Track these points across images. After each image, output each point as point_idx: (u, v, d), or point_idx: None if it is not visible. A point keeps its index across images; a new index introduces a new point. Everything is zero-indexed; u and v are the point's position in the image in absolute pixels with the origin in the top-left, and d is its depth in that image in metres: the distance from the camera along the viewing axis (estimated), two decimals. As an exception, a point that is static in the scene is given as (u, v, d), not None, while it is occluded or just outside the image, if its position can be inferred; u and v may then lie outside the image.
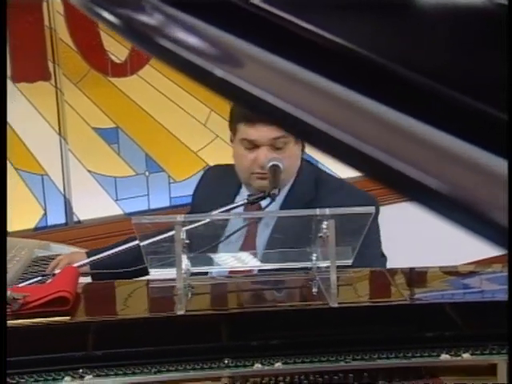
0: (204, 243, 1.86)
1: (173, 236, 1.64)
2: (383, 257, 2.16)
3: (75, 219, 3.47)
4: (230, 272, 1.98)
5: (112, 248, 2.11)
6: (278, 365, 1.53)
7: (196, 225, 1.74)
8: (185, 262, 1.67)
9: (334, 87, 0.48)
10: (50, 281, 1.82)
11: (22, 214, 3.33)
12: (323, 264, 1.70)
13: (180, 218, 1.65)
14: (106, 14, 0.56)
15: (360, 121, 0.47)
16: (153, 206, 3.63)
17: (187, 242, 1.68)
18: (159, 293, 1.82)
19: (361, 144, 0.44)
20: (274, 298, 1.85)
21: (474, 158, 0.46)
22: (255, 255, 1.95)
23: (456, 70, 0.55)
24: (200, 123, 3.67)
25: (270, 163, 2.12)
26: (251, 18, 0.52)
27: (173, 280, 1.65)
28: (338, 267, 1.62)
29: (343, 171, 2.36)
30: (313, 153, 2.46)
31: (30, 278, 2.05)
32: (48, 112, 3.35)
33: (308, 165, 2.27)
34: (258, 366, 1.53)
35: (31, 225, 3.37)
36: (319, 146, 0.47)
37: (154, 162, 3.61)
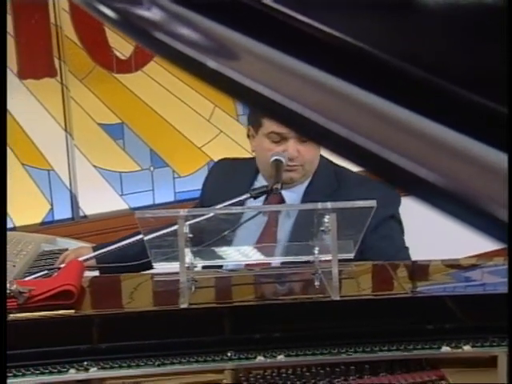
0: (210, 237, 1.85)
1: (176, 230, 1.64)
2: (406, 247, 2.16)
3: (81, 214, 3.47)
4: (247, 265, 1.97)
5: (117, 243, 2.10)
6: (281, 357, 1.53)
7: (199, 219, 1.74)
8: (188, 256, 1.66)
9: (336, 82, 0.48)
10: (55, 275, 1.81)
11: (29, 209, 3.33)
12: (325, 257, 1.69)
13: (183, 212, 1.64)
14: (104, 9, 0.55)
15: (360, 115, 0.46)
16: (158, 201, 3.62)
17: (190, 235, 1.67)
18: (163, 286, 1.81)
19: (360, 138, 0.44)
20: (277, 292, 1.85)
21: (473, 152, 0.46)
22: (259, 249, 1.94)
23: (457, 63, 0.55)
24: (204, 119, 3.66)
25: (273, 158, 2.11)
26: (255, 13, 0.52)
27: (176, 274, 1.64)
28: (339, 260, 1.61)
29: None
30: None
31: (36, 272, 2.05)
32: (54, 108, 3.34)
33: (324, 158, 2.26)
34: (260, 358, 1.53)
35: (38, 219, 3.37)
36: (318, 140, 0.46)
37: (158, 157, 3.60)
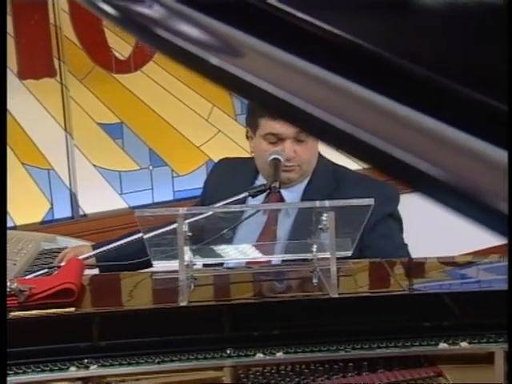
0: (209, 235, 1.85)
1: (175, 228, 1.63)
2: (405, 245, 2.16)
3: (81, 213, 3.46)
4: (247, 263, 1.97)
5: (117, 241, 2.10)
6: (280, 354, 1.53)
7: (198, 217, 1.73)
8: (187, 254, 1.66)
9: (338, 79, 0.47)
10: (55, 273, 1.81)
11: (29, 208, 3.32)
12: (323, 255, 1.69)
13: (182, 210, 1.64)
14: (105, 7, 0.55)
15: (363, 112, 0.46)
16: (157, 200, 3.62)
17: (189, 234, 1.66)
18: (163, 284, 1.80)
19: (365, 135, 0.43)
20: (276, 289, 1.84)
21: (476, 149, 0.45)
22: (259, 247, 1.94)
23: (459, 62, 0.54)
24: (203, 118, 3.65)
25: (271, 157, 2.11)
26: (257, 11, 0.51)
27: (176, 272, 1.64)
28: (337, 258, 1.61)
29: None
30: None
31: (36, 271, 2.05)
32: (54, 108, 3.34)
33: (323, 157, 2.26)
34: (259, 355, 1.52)
35: (38, 218, 3.37)
36: (319, 135, 0.46)
37: (157, 156, 3.60)
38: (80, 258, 1.95)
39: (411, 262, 1.95)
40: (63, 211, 3.42)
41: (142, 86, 3.50)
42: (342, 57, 0.52)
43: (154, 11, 0.52)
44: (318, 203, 1.65)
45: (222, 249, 1.84)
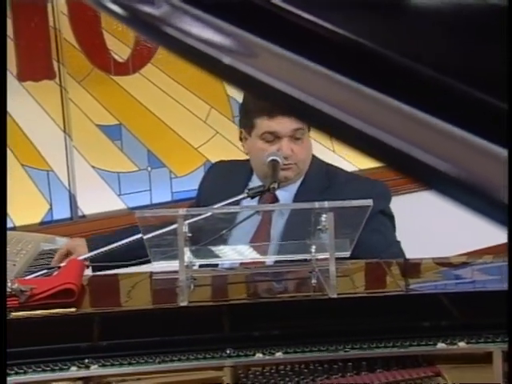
0: (207, 236, 1.84)
1: (175, 229, 1.63)
2: (398, 241, 2.15)
3: (80, 214, 3.45)
4: (242, 263, 1.96)
5: (112, 236, 2.09)
6: (279, 354, 1.52)
7: (198, 218, 1.72)
8: (187, 255, 1.65)
9: (343, 79, 0.47)
10: (55, 273, 1.80)
11: (29, 209, 3.31)
12: (322, 256, 1.68)
13: (182, 211, 1.63)
14: (113, 6, 0.54)
15: (374, 111, 0.45)
16: (155, 201, 3.61)
17: (189, 235, 1.66)
18: (163, 285, 1.80)
19: (379, 133, 0.43)
20: (275, 290, 1.84)
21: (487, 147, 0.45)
22: (255, 248, 1.94)
23: (465, 63, 0.54)
24: (200, 120, 3.64)
25: (270, 158, 2.11)
26: (264, 13, 0.51)
27: (175, 272, 1.63)
28: (336, 259, 1.61)
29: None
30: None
31: (36, 271, 2.04)
32: (53, 110, 3.32)
33: (315, 157, 2.27)
34: (259, 355, 1.52)
35: (37, 219, 3.35)
36: (331, 133, 0.45)
37: (156, 157, 3.59)
38: (80, 258, 1.95)
39: (409, 262, 1.95)
40: (62, 212, 3.41)
41: (140, 88, 3.49)
42: (350, 57, 0.51)
43: (162, 11, 0.51)
44: (317, 204, 1.65)
45: (219, 249, 1.83)
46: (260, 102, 2.12)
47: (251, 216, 2.00)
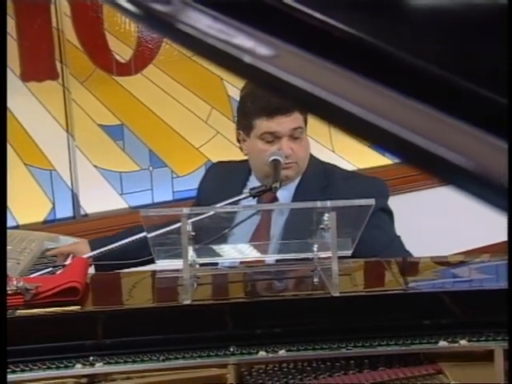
0: (209, 235, 1.84)
1: (179, 228, 1.62)
2: (398, 236, 2.15)
3: (82, 212, 3.44)
4: (243, 262, 1.96)
5: (115, 237, 2.09)
6: (282, 352, 1.52)
7: (201, 217, 1.72)
8: (190, 254, 1.64)
9: (363, 79, 0.46)
10: (60, 271, 1.79)
11: (32, 208, 3.30)
12: (324, 255, 1.68)
13: (186, 210, 1.63)
14: (127, 5, 0.54)
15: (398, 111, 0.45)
16: (156, 200, 3.60)
17: (193, 233, 1.65)
18: (166, 283, 1.79)
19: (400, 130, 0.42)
20: (278, 288, 1.83)
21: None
22: (255, 247, 1.93)
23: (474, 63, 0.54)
24: (201, 120, 3.64)
25: (271, 158, 2.10)
26: (278, 14, 0.50)
27: (178, 271, 1.63)
28: (337, 257, 1.60)
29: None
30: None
31: (40, 269, 2.03)
32: (56, 110, 3.32)
33: (313, 157, 2.26)
34: (262, 353, 1.51)
35: (40, 218, 3.35)
36: (350, 129, 0.45)
37: (157, 157, 3.58)
38: (84, 256, 1.94)
39: (410, 260, 1.94)
40: (65, 211, 3.40)
41: (142, 88, 3.48)
42: (364, 57, 0.51)
43: (179, 10, 0.51)
44: (319, 203, 1.64)
45: (220, 248, 1.83)
46: (258, 102, 2.11)
47: (253, 215, 2.00)
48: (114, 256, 2.05)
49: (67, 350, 1.49)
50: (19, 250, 2.37)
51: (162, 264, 1.74)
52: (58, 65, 3.29)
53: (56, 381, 1.46)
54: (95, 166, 3.45)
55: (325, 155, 2.55)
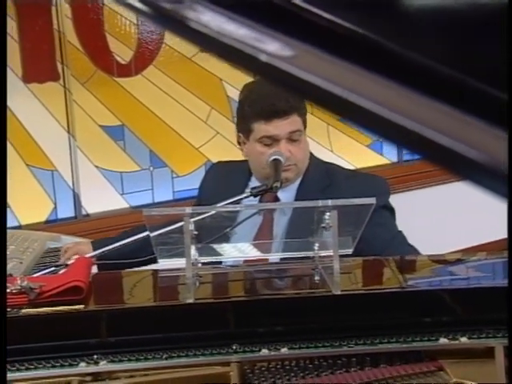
0: (211, 234, 1.83)
1: (181, 227, 1.61)
2: (400, 231, 2.15)
3: (84, 212, 3.44)
4: (246, 261, 1.95)
5: (118, 238, 2.08)
6: (284, 350, 1.51)
7: (203, 216, 1.71)
8: (193, 253, 1.64)
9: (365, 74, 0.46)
10: (64, 271, 1.79)
11: (34, 208, 3.30)
12: (325, 253, 1.67)
13: (189, 210, 1.62)
14: (146, 8, 0.53)
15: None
16: (157, 200, 3.60)
17: (195, 233, 1.65)
18: (169, 282, 1.79)
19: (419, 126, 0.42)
20: (279, 286, 1.83)
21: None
22: (258, 246, 1.93)
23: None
24: (201, 120, 3.64)
25: (272, 157, 2.10)
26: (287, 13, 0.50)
27: (180, 270, 1.62)
28: (338, 256, 1.60)
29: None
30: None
31: (43, 269, 2.02)
32: (57, 111, 3.31)
33: (314, 157, 2.26)
34: (264, 351, 1.51)
35: (42, 218, 3.34)
36: (367, 126, 0.45)
37: (157, 157, 3.58)
38: (87, 256, 1.93)
39: (411, 258, 1.94)
40: (66, 211, 3.40)
41: (142, 89, 3.48)
42: (369, 54, 0.51)
43: (192, 10, 0.50)
44: (320, 202, 1.63)
45: (221, 247, 1.82)
46: (255, 106, 2.11)
47: (254, 215, 1.99)
48: (116, 256, 2.05)
49: (71, 348, 1.49)
50: (22, 249, 2.36)
51: (164, 263, 1.73)
52: (60, 66, 3.28)
53: (60, 379, 1.46)
54: (96, 167, 3.45)
55: (324, 155, 2.54)
